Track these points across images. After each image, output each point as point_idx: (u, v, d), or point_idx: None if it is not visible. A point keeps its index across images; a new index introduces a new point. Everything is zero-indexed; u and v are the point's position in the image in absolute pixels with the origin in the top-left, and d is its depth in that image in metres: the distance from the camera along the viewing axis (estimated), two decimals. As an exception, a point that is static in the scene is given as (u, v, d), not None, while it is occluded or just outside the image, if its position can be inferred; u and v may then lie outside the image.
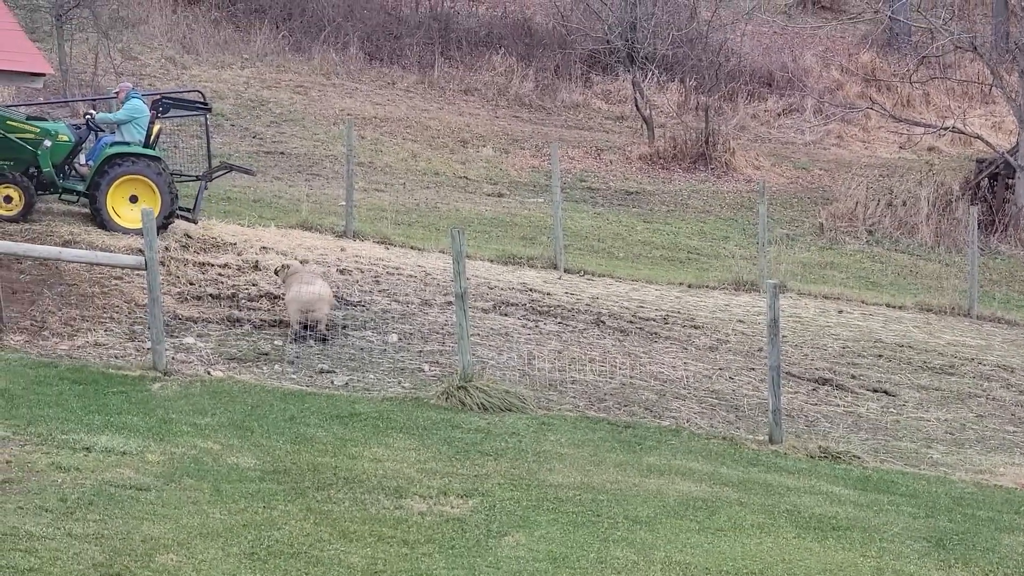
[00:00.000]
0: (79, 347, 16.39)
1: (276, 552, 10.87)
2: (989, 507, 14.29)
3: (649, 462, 14.27)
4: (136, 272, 18.37)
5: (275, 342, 17.45)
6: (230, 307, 18.80)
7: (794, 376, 18.97)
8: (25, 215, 20.94)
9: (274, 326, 17.96)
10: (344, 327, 18.45)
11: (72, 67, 31.74)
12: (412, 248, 24.19)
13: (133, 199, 21.06)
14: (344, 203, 24.96)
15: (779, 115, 40.78)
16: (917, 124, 37.32)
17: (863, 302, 25.17)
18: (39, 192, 21.31)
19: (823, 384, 18.94)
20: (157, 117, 21.88)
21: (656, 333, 20.38)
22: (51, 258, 17.74)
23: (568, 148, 34.95)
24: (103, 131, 21.93)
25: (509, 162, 33.88)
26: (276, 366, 16.51)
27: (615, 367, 18.12)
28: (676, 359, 19.08)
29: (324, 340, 17.64)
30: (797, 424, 16.76)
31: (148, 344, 16.19)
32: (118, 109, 22.01)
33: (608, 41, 39.87)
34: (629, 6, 39.06)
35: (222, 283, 19.81)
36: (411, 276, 21.75)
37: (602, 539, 11.90)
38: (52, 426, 13.26)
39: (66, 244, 19.88)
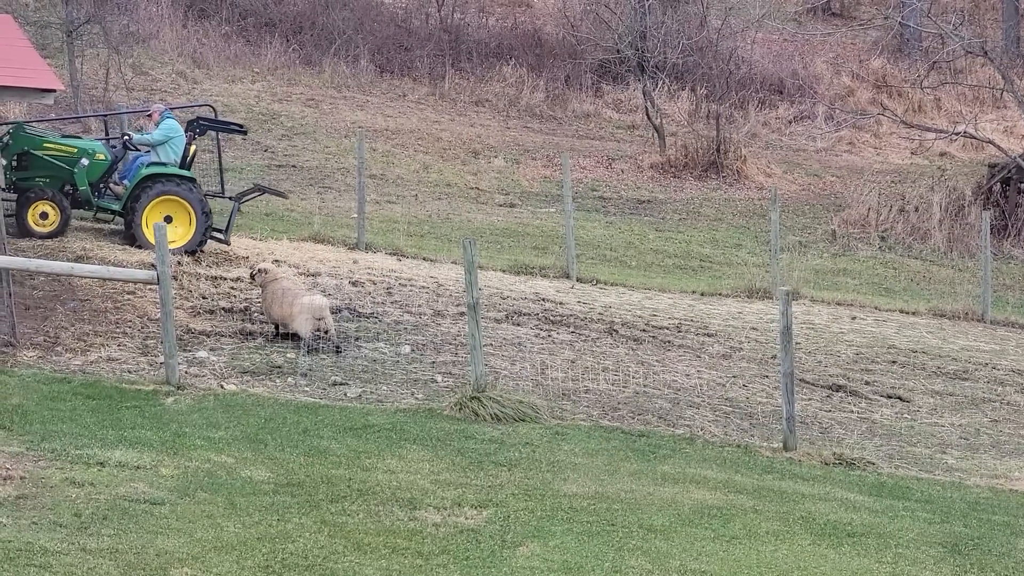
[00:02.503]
0: (92, 362, 16.41)
1: (291, 565, 10.88)
2: (1004, 512, 14.26)
3: (663, 471, 14.26)
4: (149, 287, 18.40)
5: (288, 355, 17.46)
6: (243, 320, 18.82)
7: (808, 383, 18.94)
8: (61, 232, 21.16)
9: (286, 339, 17.97)
10: (357, 339, 18.46)
11: (83, 83, 31.81)
12: (424, 259, 24.20)
13: (168, 219, 21.21)
14: (356, 215, 24.97)
15: (790, 122, 40.74)
16: (928, 130, 37.25)
17: (876, 308, 25.12)
18: (74, 209, 21.59)
19: (837, 391, 18.91)
20: (194, 138, 22.08)
21: (669, 341, 20.36)
22: (64, 273, 17.78)
23: (579, 158, 34.95)
24: (138, 150, 22.10)
25: (521, 172, 33.89)
26: (289, 379, 16.52)
27: (628, 376, 18.11)
28: (690, 367, 19.07)
29: (338, 351, 17.66)
30: (811, 431, 16.74)
31: (161, 358, 16.21)
32: (145, 129, 22.21)
33: (618, 50, 39.84)
34: (639, 15, 39.02)
35: (234, 296, 19.83)
36: (423, 287, 21.76)
37: (617, 548, 11.89)
38: (66, 441, 13.28)
39: (78, 259, 19.92)
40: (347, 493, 12.62)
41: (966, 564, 12.44)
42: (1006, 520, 13.95)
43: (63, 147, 21.69)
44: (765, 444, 15.86)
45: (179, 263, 20.38)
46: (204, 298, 19.60)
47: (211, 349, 17.44)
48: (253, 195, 23.17)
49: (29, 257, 18.49)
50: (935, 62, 40.06)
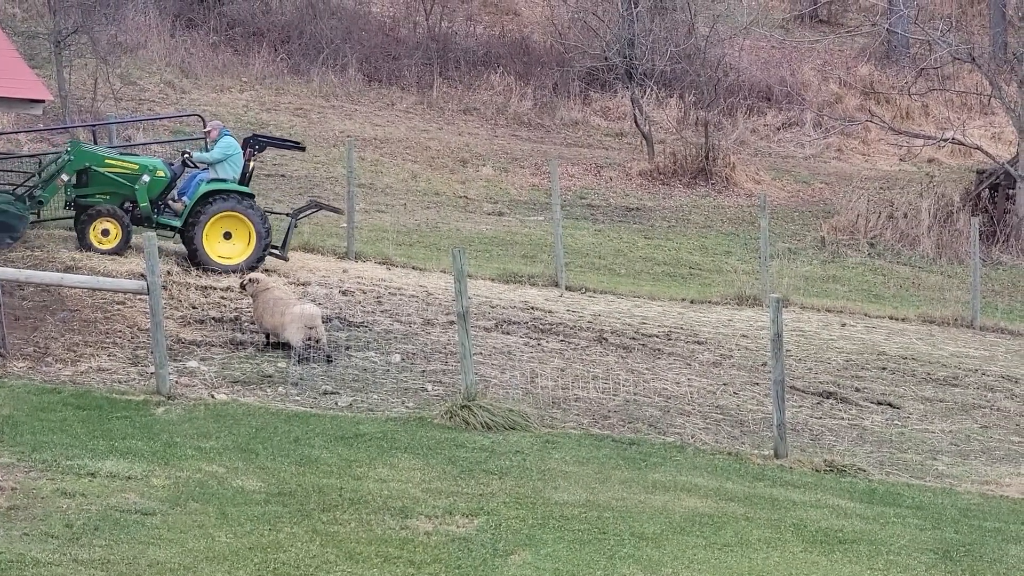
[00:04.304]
0: (82, 372, 16.39)
1: (283, 575, 10.87)
2: (995, 518, 14.28)
3: (654, 478, 14.26)
4: (138, 297, 18.38)
5: (278, 364, 17.45)
6: (233, 330, 18.81)
7: (798, 390, 18.96)
8: (123, 249, 21.20)
9: (277, 348, 17.96)
10: (347, 348, 18.44)
11: (71, 93, 31.77)
12: (414, 268, 24.20)
13: (227, 235, 21.32)
14: (345, 225, 24.98)
15: (779, 129, 40.80)
16: (917, 136, 37.33)
17: (866, 315, 25.16)
18: (134, 226, 21.70)
19: (827, 398, 18.93)
20: (253, 155, 22.17)
21: (659, 349, 20.37)
22: (53, 284, 17.74)
23: (568, 165, 34.97)
24: (197, 168, 22.17)
25: (509, 181, 33.90)
26: (280, 388, 16.50)
27: (618, 384, 18.12)
28: (680, 375, 19.08)
29: (329, 360, 17.64)
30: (802, 438, 16.75)
31: (151, 368, 16.20)
32: (203, 147, 22.35)
33: (606, 58, 39.86)
34: (626, 23, 39.05)
35: (225, 306, 19.82)
36: (413, 296, 21.76)
37: (608, 556, 11.89)
38: (56, 452, 13.27)
39: (68, 270, 19.90)
40: (338, 502, 12.62)
41: (957, 570, 12.45)
42: (997, 526, 13.97)
43: (125, 164, 21.80)
44: (756, 451, 15.86)
45: (168, 273, 20.36)
46: (194, 308, 19.59)
47: (201, 359, 17.43)
48: (310, 211, 23.33)
49: (18, 268, 18.46)
50: (923, 68, 40.13)
